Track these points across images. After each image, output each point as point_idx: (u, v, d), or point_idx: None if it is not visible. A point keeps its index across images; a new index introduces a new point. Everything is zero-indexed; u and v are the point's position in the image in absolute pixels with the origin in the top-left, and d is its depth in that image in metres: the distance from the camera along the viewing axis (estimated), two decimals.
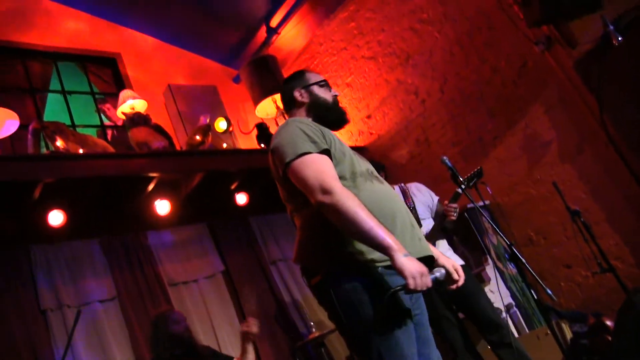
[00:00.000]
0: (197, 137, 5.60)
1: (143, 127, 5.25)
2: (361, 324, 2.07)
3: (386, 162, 6.45)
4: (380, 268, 2.08)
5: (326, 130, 2.31)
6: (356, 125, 6.85)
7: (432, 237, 4.05)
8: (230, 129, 6.11)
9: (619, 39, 4.49)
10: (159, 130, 5.39)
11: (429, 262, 2.25)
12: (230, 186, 5.77)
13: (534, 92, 5.30)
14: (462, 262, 4.15)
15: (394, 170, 6.34)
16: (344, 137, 6.90)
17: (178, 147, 5.69)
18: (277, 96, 6.40)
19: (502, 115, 5.55)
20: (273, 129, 6.27)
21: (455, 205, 3.95)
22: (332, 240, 2.13)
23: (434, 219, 4.24)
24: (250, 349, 4.14)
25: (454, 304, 4.12)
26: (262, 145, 6.11)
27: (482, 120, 5.69)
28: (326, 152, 2.19)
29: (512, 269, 5.34)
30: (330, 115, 2.47)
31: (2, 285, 4.38)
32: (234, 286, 5.69)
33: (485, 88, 5.64)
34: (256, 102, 6.52)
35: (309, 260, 2.22)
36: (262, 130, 6.22)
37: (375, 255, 2.07)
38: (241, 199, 5.80)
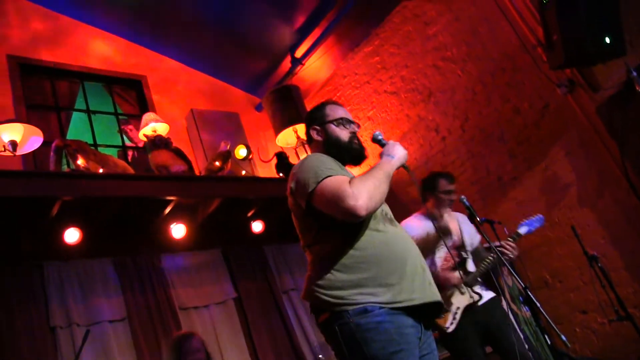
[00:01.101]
0: (217, 163, 5.64)
1: (164, 150, 5.30)
2: None
3: (404, 197, 6.46)
4: (384, 309, 2.11)
5: (343, 167, 2.37)
6: (375, 159, 6.83)
7: (477, 273, 3.98)
8: (250, 156, 6.15)
9: None
10: (179, 154, 5.44)
11: (437, 307, 2.27)
12: (247, 213, 5.79)
13: (555, 135, 5.27)
14: (493, 295, 4.08)
15: (412, 206, 6.31)
16: (359, 171, 6.90)
17: (197, 172, 5.73)
18: (298, 126, 6.47)
19: (522, 156, 5.52)
20: (293, 159, 6.31)
21: (514, 244, 3.90)
22: (340, 280, 2.17)
23: (475, 255, 4.16)
24: None
25: (483, 338, 4.02)
26: (281, 174, 6.12)
27: (501, 160, 5.67)
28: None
29: (526, 311, 5.25)
30: (345, 154, 2.50)
31: (14, 300, 4.40)
32: (245, 314, 5.67)
33: (507, 128, 5.63)
34: (277, 131, 6.56)
35: (317, 298, 2.22)
36: (282, 160, 6.24)
37: (380, 297, 2.11)
38: (257, 226, 5.81)
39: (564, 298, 5.26)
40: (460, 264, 3.97)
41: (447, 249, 3.91)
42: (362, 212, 2.11)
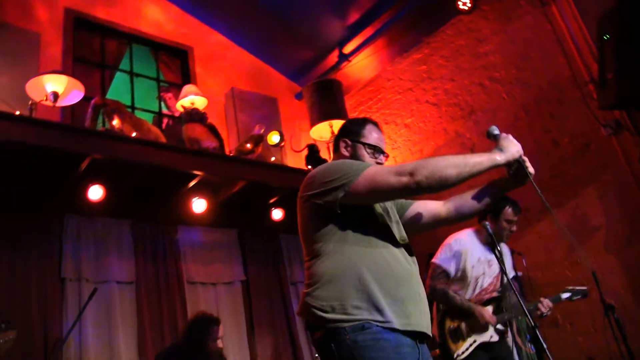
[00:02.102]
0: (248, 145, 5.64)
1: (198, 124, 5.32)
2: None
3: None
4: (380, 327, 2.04)
5: None
6: None
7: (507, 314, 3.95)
8: (282, 144, 6.14)
9: None
10: (212, 130, 5.45)
11: (422, 337, 2.19)
12: (269, 200, 5.78)
13: (591, 175, 5.16)
14: (502, 329, 4.02)
15: None
16: None
17: (227, 151, 5.74)
18: (335, 122, 6.43)
19: (554, 190, 5.40)
20: (324, 153, 6.29)
21: (552, 305, 3.90)
22: (337, 297, 2.09)
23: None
24: None
25: None
26: (310, 166, 6.10)
27: (532, 190, 5.53)
28: None
29: (530, 348, 5.17)
30: None
31: (31, 245, 4.48)
32: (250, 298, 5.70)
33: (543, 159, 5.52)
34: (313, 122, 6.53)
35: (313, 315, 2.14)
36: (313, 152, 6.22)
37: (377, 316, 2.05)
38: (277, 214, 5.80)
39: (573, 341, 5.16)
40: (496, 300, 3.93)
41: (509, 281, 3.77)
42: (421, 184, 2.04)
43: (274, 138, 6.03)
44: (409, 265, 2.26)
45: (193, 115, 5.35)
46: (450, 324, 3.81)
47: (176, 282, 5.17)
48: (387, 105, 7.12)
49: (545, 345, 3.12)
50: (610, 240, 5.00)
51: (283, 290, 5.90)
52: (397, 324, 2.07)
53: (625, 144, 4.88)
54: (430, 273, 3.88)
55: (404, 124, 6.91)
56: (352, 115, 7.30)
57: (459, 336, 3.79)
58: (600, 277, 4.51)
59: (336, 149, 2.50)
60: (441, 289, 3.80)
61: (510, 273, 4.15)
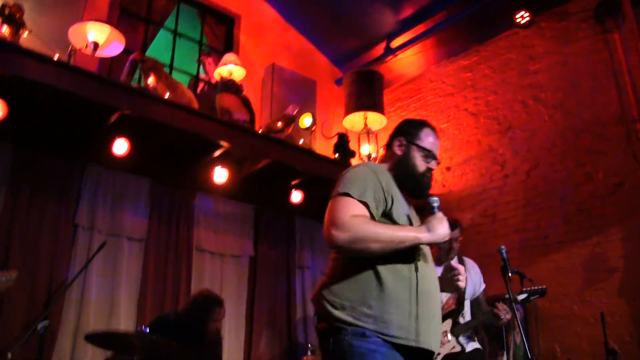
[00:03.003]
0: (279, 124, 5.60)
1: (232, 95, 5.28)
2: None
3: (448, 219, 6.30)
4: (380, 339, 2.10)
5: (396, 194, 2.32)
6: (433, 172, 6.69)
7: (467, 324, 3.96)
8: (313, 127, 6.07)
9: None
10: (245, 103, 5.42)
11: (427, 356, 2.24)
12: (291, 181, 5.75)
13: (619, 215, 5.03)
14: (477, 347, 4.01)
15: None
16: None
17: (258, 126, 5.70)
18: (370, 114, 6.36)
19: (578, 224, 5.30)
20: (353, 144, 6.22)
21: (507, 308, 3.83)
22: (349, 298, 2.16)
23: (474, 305, 4.08)
24: None
25: None
26: (337, 155, 6.05)
27: (555, 220, 5.45)
28: (365, 204, 2.19)
29: None
30: (410, 184, 2.41)
31: (49, 188, 4.52)
32: (255, 274, 5.70)
33: (572, 191, 5.39)
34: (348, 111, 6.47)
35: (323, 307, 2.22)
36: (342, 141, 6.17)
37: (380, 327, 2.10)
38: (296, 196, 5.77)
39: None
40: (454, 313, 3.94)
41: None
42: (338, 244, 2.11)
43: (305, 121, 5.97)
44: (433, 284, 2.31)
45: (229, 85, 5.32)
46: None
47: (185, 247, 5.20)
48: (425, 106, 7.01)
49: None
50: (625, 285, 4.89)
51: (289, 273, 5.89)
52: (401, 338, 2.12)
53: None
54: None
55: (439, 128, 6.79)
56: (389, 110, 7.22)
57: None
58: (609, 320, 4.47)
59: (389, 146, 2.51)
60: None
61: (481, 285, 4.14)
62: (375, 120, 6.55)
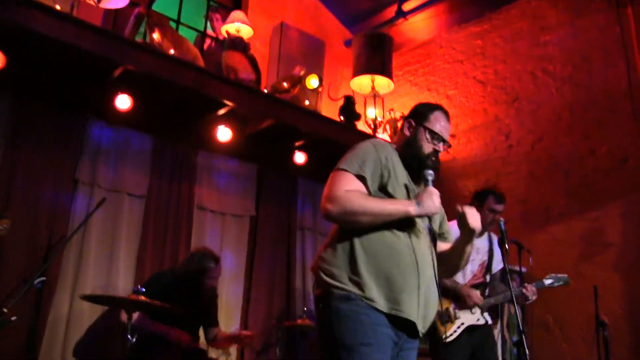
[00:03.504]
0: (285, 84, 5.58)
1: (239, 54, 5.24)
2: (337, 347, 2.20)
3: (449, 186, 6.34)
4: (364, 302, 2.20)
5: (396, 169, 2.40)
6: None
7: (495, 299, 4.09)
8: (320, 89, 6.04)
9: None
10: (252, 62, 5.37)
11: (413, 329, 2.31)
12: (295, 142, 5.75)
13: (620, 190, 5.04)
14: (489, 321, 4.09)
15: (449, 198, 6.23)
16: None
17: (263, 86, 5.68)
18: (377, 77, 6.31)
19: (579, 197, 5.31)
20: (359, 107, 6.20)
21: (535, 290, 3.99)
22: (339, 264, 2.28)
23: (492, 280, 4.17)
24: (231, 349, 4.25)
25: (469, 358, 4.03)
26: (342, 117, 6.04)
27: (557, 193, 5.46)
28: (362, 178, 2.31)
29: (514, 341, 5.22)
30: (414, 164, 2.46)
31: (51, 142, 4.50)
32: (256, 234, 5.74)
33: (576, 164, 5.39)
34: (356, 73, 6.41)
35: (318, 274, 2.36)
36: (348, 104, 6.14)
37: (365, 292, 2.20)
38: (300, 158, 5.78)
39: (558, 346, 5.18)
40: (482, 286, 4.05)
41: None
42: (331, 216, 2.27)
43: (312, 82, 5.93)
44: (421, 256, 2.33)
45: (236, 43, 5.27)
46: (438, 307, 3.87)
47: (186, 205, 5.21)
48: (433, 72, 6.95)
49: (527, 352, 3.18)
50: (620, 260, 4.94)
51: (290, 234, 5.93)
52: (381, 305, 2.21)
53: None
54: None
55: (446, 94, 6.76)
56: (397, 74, 7.16)
57: (447, 319, 3.91)
58: (601, 293, 4.52)
59: (402, 127, 2.59)
60: None
61: (500, 263, 4.19)
62: (383, 84, 6.50)
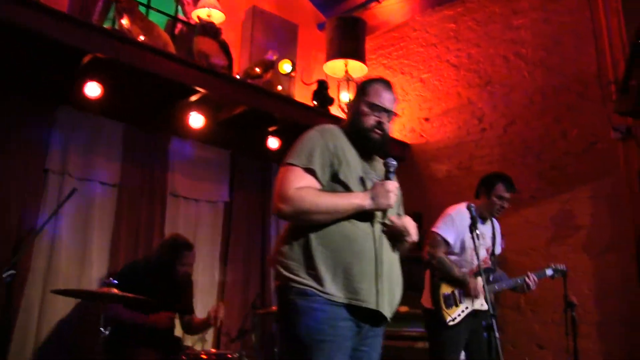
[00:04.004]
0: (257, 70, 5.54)
1: (210, 39, 5.19)
2: (292, 339, 2.21)
3: (423, 169, 6.38)
4: (322, 298, 2.16)
5: (346, 153, 2.34)
6: (411, 122, 6.70)
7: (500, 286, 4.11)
8: (293, 73, 6.01)
9: None
10: (224, 47, 5.32)
11: (375, 317, 2.27)
12: (268, 128, 5.72)
13: (590, 174, 5.11)
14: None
15: (423, 181, 6.30)
16: (394, 128, 6.78)
17: (235, 72, 5.62)
18: (350, 61, 6.30)
19: (550, 181, 5.38)
20: (333, 91, 6.19)
21: (537, 280, 4.04)
22: (295, 257, 2.24)
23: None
24: (207, 329, 4.31)
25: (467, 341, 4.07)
26: (315, 102, 6.02)
27: (529, 176, 5.52)
28: (311, 171, 2.26)
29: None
30: (359, 140, 2.42)
31: (19, 132, 4.42)
32: (230, 221, 5.73)
33: (547, 147, 5.45)
34: (329, 57, 6.39)
35: (275, 267, 2.32)
36: (322, 88, 6.13)
37: (322, 286, 2.16)
38: (273, 143, 5.75)
39: (529, 327, 5.28)
40: (488, 271, 4.04)
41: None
42: (284, 216, 2.26)
43: (285, 67, 5.89)
44: (378, 244, 2.28)
45: (207, 28, 5.21)
46: (445, 290, 3.93)
47: (160, 192, 5.17)
48: (407, 55, 6.94)
49: (497, 334, 3.23)
50: (589, 242, 5.03)
51: (264, 219, 5.93)
52: (340, 297, 2.18)
53: (629, 152, 4.82)
54: (429, 241, 4.04)
55: (420, 78, 6.76)
56: (370, 57, 7.15)
57: (452, 302, 3.91)
58: (571, 275, 4.60)
59: (348, 109, 2.58)
60: (440, 257, 3.94)
61: (498, 248, 4.28)
62: (356, 67, 6.49)
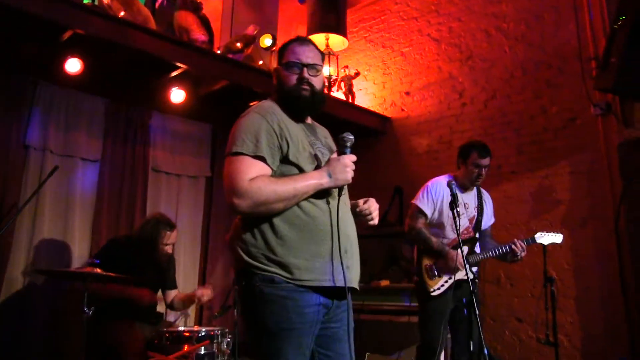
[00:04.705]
0: (238, 44, 5.48)
1: (191, 14, 5.11)
2: (259, 331, 2.12)
3: (404, 144, 6.41)
4: (290, 284, 2.08)
5: (290, 130, 2.22)
6: (392, 96, 6.71)
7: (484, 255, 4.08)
8: (274, 48, 5.96)
9: None
10: (204, 22, 5.25)
11: (341, 292, 2.20)
12: (249, 102, 5.64)
13: (569, 149, 5.18)
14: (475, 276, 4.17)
15: (404, 155, 6.33)
16: (374, 102, 6.79)
17: (216, 46, 5.55)
18: (331, 35, 6.26)
19: (530, 155, 5.44)
20: None
21: (525, 246, 3.98)
22: (257, 243, 2.12)
23: (482, 237, 4.20)
24: (190, 305, 4.32)
25: (452, 311, 4.09)
26: None
27: (509, 151, 5.58)
28: (261, 158, 2.12)
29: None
30: (290, 104, 2.29)
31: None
32: (212, 195, 5.73)
33: (527, 123, 5.50)
34: (310, 31, 6.36)
35: (236, 250, 2.20)
36: None
37: (288, 272, 2.08)
38: None
39: (508, 301, 5.38)
40: (470, 241, 4.07)
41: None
42: (242, 211, 2.10)
43: (266, 41, 5.85)
44: (335, 217, 2.19)
45: (188, 3, 5.13)
46: (426, 262, 4.01)
47: (142, 167, 5.14)
48: (388, 29, 6.91)
49: (477, 311, 3.30)
50: (568, 217, 5.11)
51: None
52: (305, 281, 2.10)
53: (608, 128, 4.88)
54: (409, 213, 4.12)
55: (401, 51, 6.74)
56: (352, 30, 7.12)
57: (432, 274, 3.97)
58: (550, 249, 4.69)
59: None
60: (418, 229, 4.01)
61: (491, 219, 4.32)
62: (337, 41, 6.47)
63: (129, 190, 5.03)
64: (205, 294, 4.16)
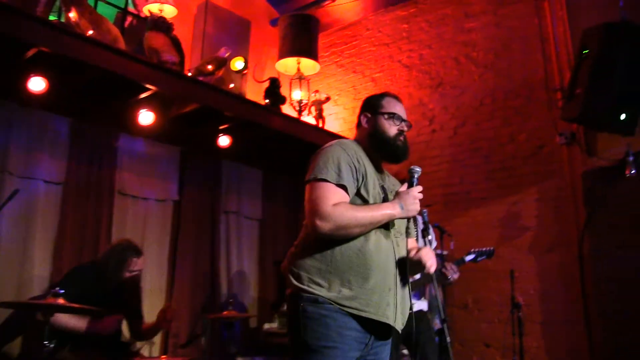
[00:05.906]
0: (209, 67, 5.42)
1: (161, 35, 5.04)
2: (302, 349, 2.27)
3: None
4: (332, 306, 2.24)
5: (367, 168, 2.44)
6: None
7: (417, 282, 4.06)
8: (245, 71, 5.95)
9: (632, 171, 4.49)
10: (175, 43, 5.19)
11: (386, 329, 2.35)
12: (219, 126, 5.62)
13: (536, 177, 5.26)
14: (423, 307, 4.18)
15: None
16: (344, 127, 6.80)
17: (187, 68, 5.50)
18: (303, 59, 6.27)
19: (499, 182, 5.50)
20: (285, 90, 6.13)
21: (456, 268, 4.04)
22: (309, 266, 2.32)
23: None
24: (156, 334, 4.23)
25: (406, 345, 4.08)
26: (267, 101, 5.96)
27: (478, 177, 5.63)
28: (343, 187, 2.34)
29: (438, 324, 5.38)
30: (385, 150, 2.54)
31: None
32: (180, 220, 5.62)
33: (496, 150, 5.57)
34: (282, 55, 6.35)
35: (287, 276, 2.39)
36: (273, 86, 6.05)
37: (333, 294, 2.25)
38: (224, 141, 5.65)
39: (476, 326, 5.40)
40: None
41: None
42: (323, 233, 2.27)
43: (237, 64, 5.83)
44: (385, 255, 2.37)
45: (159, 23, 5.06)
46: None
47: (107, 190, 5.00)
48: (359, 54, 6.96)
49: (449, 340, 3.30)
50: (534, 243, 5.18)
51: (214, 218, 5.83)
52: (350, 308, 2.26)
53: (573, 157, 4.99)
54: None
55: (372, 77, 6.79)
56: (323, 55, 7.15)
57: None
58: (517, 275, 4.78)
59: (359, 124, 2.65)
60: None
61: (434, 243, 4.40)
62: (309, 65, 6.47)
63: (93, 214, 4.88)
64: (169, 313, 4.06)
